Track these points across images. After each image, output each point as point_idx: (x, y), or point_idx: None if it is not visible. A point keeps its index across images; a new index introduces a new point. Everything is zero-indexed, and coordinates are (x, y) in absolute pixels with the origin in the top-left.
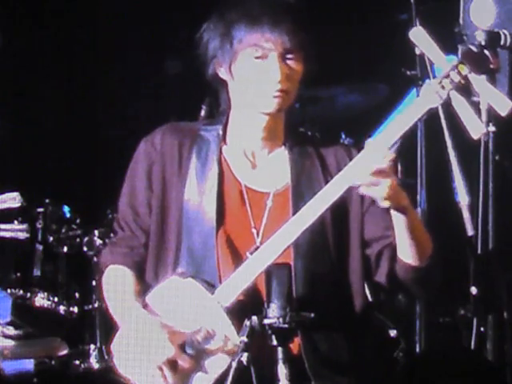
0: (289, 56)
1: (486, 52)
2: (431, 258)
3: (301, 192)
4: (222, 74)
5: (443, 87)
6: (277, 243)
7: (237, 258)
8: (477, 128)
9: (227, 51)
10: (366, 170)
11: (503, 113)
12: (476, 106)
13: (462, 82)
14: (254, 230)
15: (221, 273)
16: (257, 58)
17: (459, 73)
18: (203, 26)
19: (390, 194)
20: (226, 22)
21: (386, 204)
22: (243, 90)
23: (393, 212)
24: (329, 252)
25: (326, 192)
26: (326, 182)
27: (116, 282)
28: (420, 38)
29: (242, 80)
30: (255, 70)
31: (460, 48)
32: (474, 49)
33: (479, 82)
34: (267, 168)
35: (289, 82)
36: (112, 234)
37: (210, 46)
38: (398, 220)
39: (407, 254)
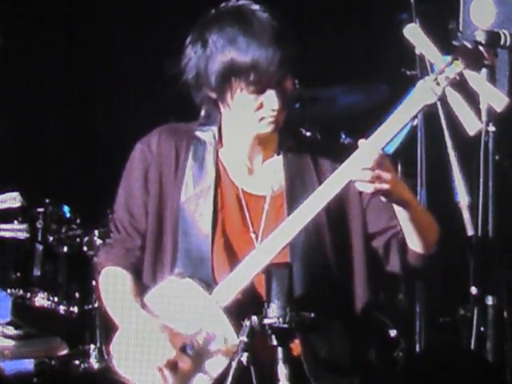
0: (283, 83)
1: (481, 48)
2: (438, 245)
3: (295, 195)
4: (212, 94)
5: (438, 84)
6: (273, 243)
7: (234, 261)
8: (473, 124)
9: (219, 88)
10: (363, 166)
11: (498, 109)
12: (474, 102)
13: (457, 78)
14: (253, 235)
15: (216, 276)
16: (252, 93)
17: (454, 69)
18: (187, 48)
19: (389, 189)
20: (213, 52)
21: (385, 199)
22: (238, 117)
23: (395, 205)
24: (325, 253)
25: (322, 191)
26: (320, 184)
27: (115, 283)
28: (415, 35)
29: (237, 111)
30: (252, 105)
31: (455, 44)
32: (468, 45)
33: (475, 78)
34: (263, 171)
35: (283, 103)
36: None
37: (200, 73)
38: (401, 213)
39: (414, 243)
